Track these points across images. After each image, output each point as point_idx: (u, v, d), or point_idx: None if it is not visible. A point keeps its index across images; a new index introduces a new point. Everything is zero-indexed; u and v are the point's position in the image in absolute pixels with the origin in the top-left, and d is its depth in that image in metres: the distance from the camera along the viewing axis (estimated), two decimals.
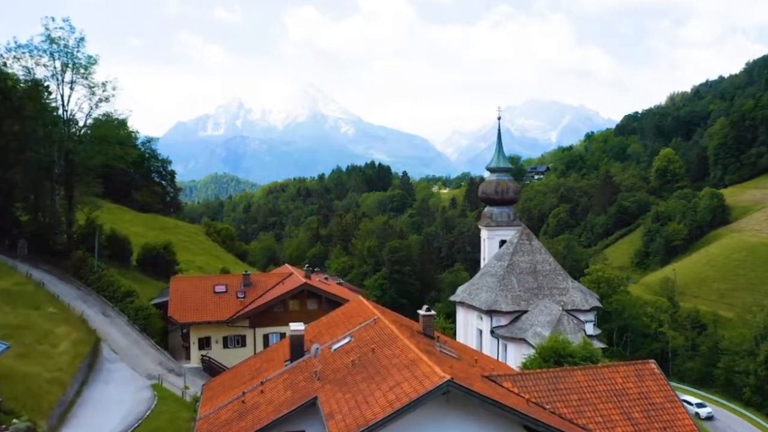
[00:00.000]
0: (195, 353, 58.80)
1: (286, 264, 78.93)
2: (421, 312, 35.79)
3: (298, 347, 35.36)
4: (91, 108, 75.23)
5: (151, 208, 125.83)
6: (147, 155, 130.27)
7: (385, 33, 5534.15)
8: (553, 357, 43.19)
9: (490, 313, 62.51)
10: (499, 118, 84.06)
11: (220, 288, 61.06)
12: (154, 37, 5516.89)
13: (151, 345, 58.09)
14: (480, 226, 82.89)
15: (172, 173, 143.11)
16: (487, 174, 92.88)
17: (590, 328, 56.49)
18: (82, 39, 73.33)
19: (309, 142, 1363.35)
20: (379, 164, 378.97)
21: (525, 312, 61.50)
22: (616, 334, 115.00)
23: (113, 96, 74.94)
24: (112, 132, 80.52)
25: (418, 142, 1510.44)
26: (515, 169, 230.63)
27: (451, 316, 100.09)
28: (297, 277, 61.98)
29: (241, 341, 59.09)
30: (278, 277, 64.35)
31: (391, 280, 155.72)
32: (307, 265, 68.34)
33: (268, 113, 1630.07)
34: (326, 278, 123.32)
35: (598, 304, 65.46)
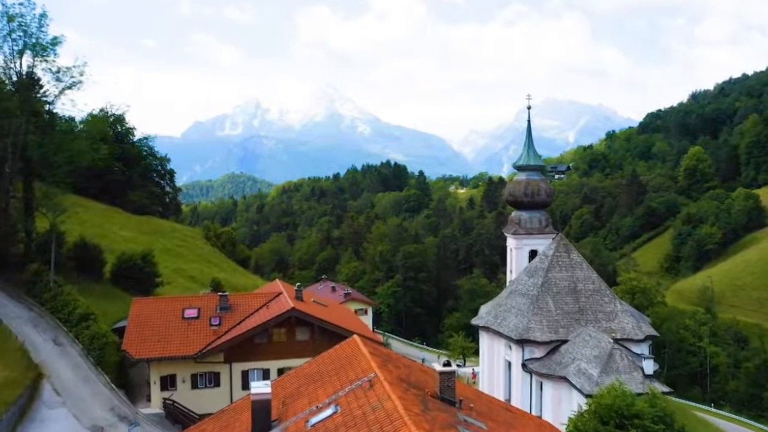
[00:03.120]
0: (156, 395, 47.38)
1: (276, 280, 67.50)
2: (437, 367, 26.00)
3: (262, 417, 25.52)
4: (56, 96, 65.19)
5: (148, 209, 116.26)
6: (144, 153, 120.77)
7: (397, 32, 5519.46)
8: (615, 418, 32.24)
9: (522, 342, 51.00)
10: (529, 108, 73.53)
11: (190, 312, 49.55)
12: (168, 38, 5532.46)
13: (105, 383, 46.63)
14: (506, 234, 71.41)
15: (171, 172, 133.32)
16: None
17: (649, 366, 44.65)
18: (43, 15, 63.01)
19: (326, 141, 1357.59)
20: (395, 164, 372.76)
21: (565, 342, 50.01)
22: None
23: (81, 82, 64.66)
24: (95, 126, 70.80)
25: (434, 142, 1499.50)
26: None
27: (473, 334, 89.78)
28: (285, 298, 50.24)
29: (213, 380, 47.67)
30: (263, 299, 52.22)
31: (405, 287, 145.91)
32: (298, 284, 56.93)
33: (286, 113, 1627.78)
34: (334, 286, 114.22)
35: (653, 331, 53.73)
